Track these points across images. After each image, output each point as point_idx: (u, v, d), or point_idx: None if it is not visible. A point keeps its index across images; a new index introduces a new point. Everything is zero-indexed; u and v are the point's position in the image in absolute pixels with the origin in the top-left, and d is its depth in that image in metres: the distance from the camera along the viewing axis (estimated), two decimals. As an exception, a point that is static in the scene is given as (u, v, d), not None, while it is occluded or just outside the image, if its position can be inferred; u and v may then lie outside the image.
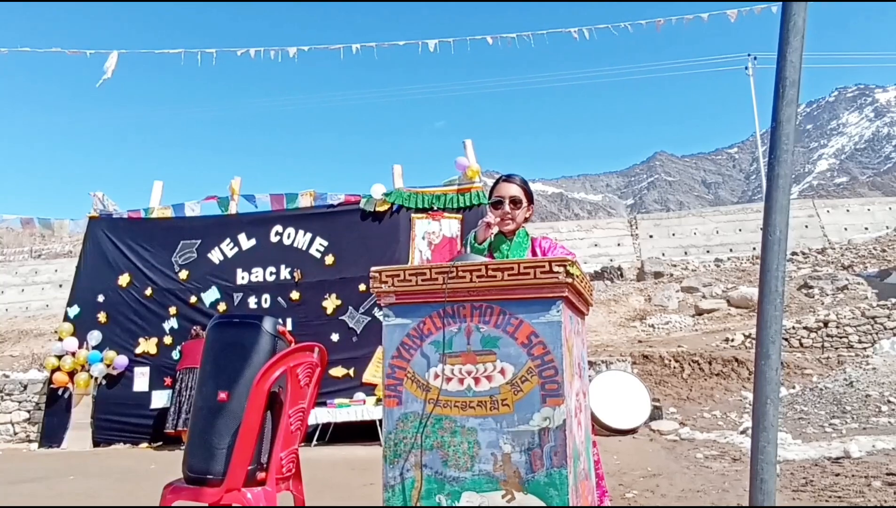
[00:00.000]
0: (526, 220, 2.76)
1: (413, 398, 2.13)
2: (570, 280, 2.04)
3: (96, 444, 9.07)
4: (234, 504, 2.28)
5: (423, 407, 2.11)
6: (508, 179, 2.72)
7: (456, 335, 2.13)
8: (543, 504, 1.95)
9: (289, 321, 8.97)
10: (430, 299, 2.17)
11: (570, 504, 1.94)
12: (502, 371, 2.06)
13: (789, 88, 1.57)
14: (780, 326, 1.60)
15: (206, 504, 2.35)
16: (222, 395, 2.31)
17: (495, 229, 2.66)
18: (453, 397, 2.09)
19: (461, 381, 2.10)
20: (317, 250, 9.29)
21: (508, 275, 2.08)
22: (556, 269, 2.04)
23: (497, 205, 2.69)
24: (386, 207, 9.20)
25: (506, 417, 2.04)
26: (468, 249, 2.57)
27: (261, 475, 2.29)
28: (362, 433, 8.20)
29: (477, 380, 2.08)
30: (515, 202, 2.68)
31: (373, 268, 2.24)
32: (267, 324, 2.41)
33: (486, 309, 2.12)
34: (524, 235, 2.74)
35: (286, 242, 9.40)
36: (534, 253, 2.67)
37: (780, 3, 1.67)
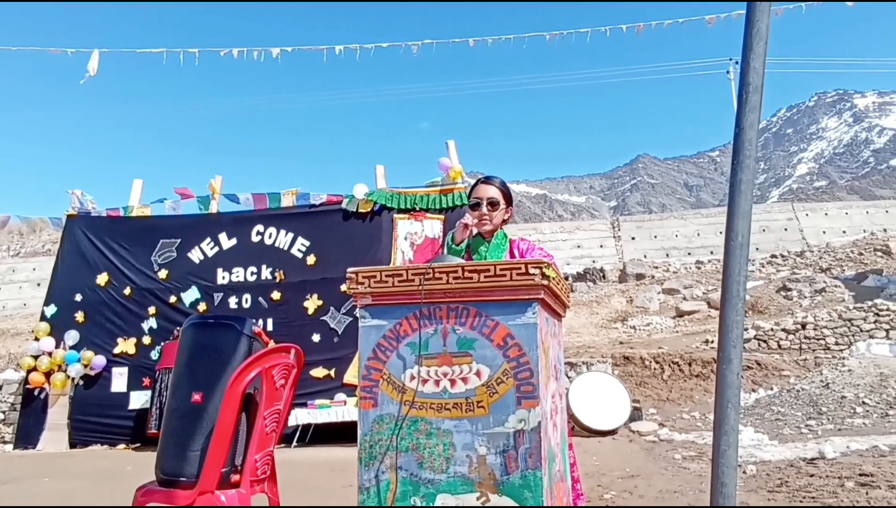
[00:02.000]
0: (504, 222, 2.77)
1: (389, 400, 2.13)
2: (545, 282, 2.05)
3: (73, 445, 8.96)
4: (207, 507, 2.27)
5: (399, 409, 2.10)
6: (487, 180, 2.73)
7: (432, 337, 2.13)
8: (518, 506, 1.95)
9: (269, 321, 8.92)
10: (406, 301, 2.16)
11: (545, 506, 1.94)
12: (478, 373, 2.06)
13: (752, 95, 1.59)
14: (741, 330, 1.61)
15: (180, 507, 2.32)
16: (196, 396, 2.29)
17: (473, 231, 2.66)
18: (429, 398, 2.09)
19: (437, 383, 2.09)
20: (298, 250, 9.25)
21: (485, 277, 2.08)
22: (532, 271, 2.05)
23: (475, 206, 2.69)
24: (368, 207, 9.17)
25: (481, 419, 2.04)
26: (446, 250, 2.57)
27: (235, 477, 2.27)
28: (343, 434, 8.17)
29: (453, 382, 2.08)
30: (493, 204, 2.68)
31: (349, 269, 2.24)
32: (242, 325, 2.39)
33: (463, 311, 2.12)
34: (502, 236, 2.75)
35: (267, 241, 9.34)
36: (511, 255, 2.68)
37: (745, 2, 1.68)
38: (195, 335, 2.44)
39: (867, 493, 3.81)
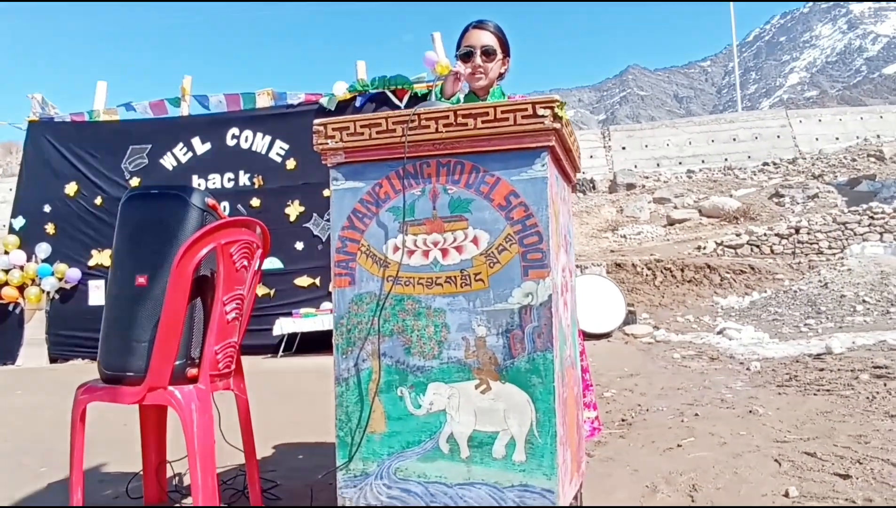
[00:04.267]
0: (501, 76, 2.34)
1: (368, 276, 1.77)
2: (557, 126, 1.66)
3: (53, 360, 8.73)
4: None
5: (381, 286, 1.75)
6: (480, 25, 2.27)
7: (419, 199, 1.75)
8: (524, 394, 1.64)
9: (250, 229, 8.54)
10: (386, 157, 1.77)
11: (557, 393, 1.63)
12: (475, 240, 1.70)
13: None
14: None
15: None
16: (141, 279, 1.93)
17: (466, 87, 2.24)
18: (416, 273, 1.73)
19: (426, 254, 1.73)
20: (277, 153, 8.74)
21: (482, 122, 1.69)
22: (540, 112, 1.65)
23: (467, 57, 2.25)
24: (349, 97, 8.55)
25: (480, 294, 1.69)
26: (433, 98, 2.15)
27: (192, 371, 1.95)
28: (330, 343, 7.96)
29: (445, 252, 1.72)
30: (488, 53, 2.24)
31: (316, 120, 1.83)
32: (192, 196, 2.01)
33: (456, 166, 1.73)
34: (499, 93, 2.33)
35: (244, 145, 8.82)
36: (511, 114, 2.26)
37: None
38: (136, 208, 2.06)
39: (885, 384, 3.58)
